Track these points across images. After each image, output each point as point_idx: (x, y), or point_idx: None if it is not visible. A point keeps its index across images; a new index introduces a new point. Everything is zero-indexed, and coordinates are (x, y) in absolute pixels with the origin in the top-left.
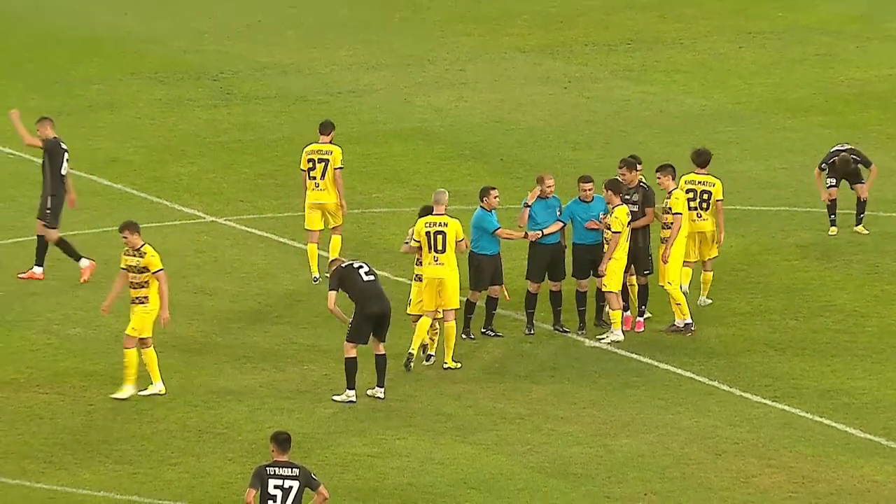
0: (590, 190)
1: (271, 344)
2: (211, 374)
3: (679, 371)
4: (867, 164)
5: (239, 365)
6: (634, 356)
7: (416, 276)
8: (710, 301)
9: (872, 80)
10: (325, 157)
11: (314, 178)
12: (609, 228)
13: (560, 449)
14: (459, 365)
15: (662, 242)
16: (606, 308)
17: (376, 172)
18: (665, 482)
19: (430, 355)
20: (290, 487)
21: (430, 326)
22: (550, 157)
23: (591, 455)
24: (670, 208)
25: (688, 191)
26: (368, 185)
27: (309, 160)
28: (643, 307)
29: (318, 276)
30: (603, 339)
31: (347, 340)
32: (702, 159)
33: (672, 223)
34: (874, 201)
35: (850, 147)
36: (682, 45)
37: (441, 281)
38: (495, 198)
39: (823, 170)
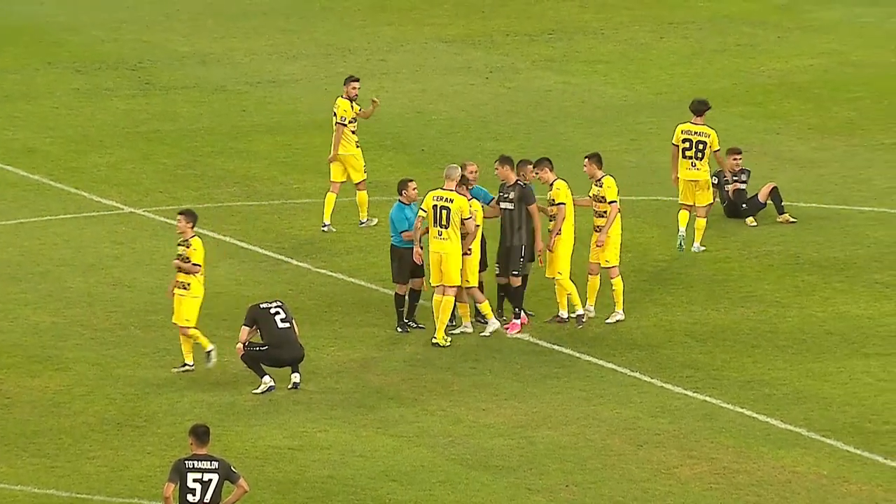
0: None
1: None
2: (129, 366)
3: (600, 362)
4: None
5: (158, 357)
6: (556, 348)
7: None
8: (703, 248)
9: (793, 71)
10: (335, 109)
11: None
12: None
13: (481, 441)
14: (449, 342)
15: (549, 233)
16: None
17: (297, 163)
18: (586, 473)
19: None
20: (210, 481)
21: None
22: (472, 148)
23: (512, 447)
24: (554, 199)
25: (684, 140)
26: (289, 176)
27: (333, 112)
28: (518, 308)
29: (328, 224)
30: (484, 334)
31: (244, 350)
32: (699, 108)
33: (557, 214)
34: (795, 192)
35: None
36: (604, 35)
37: (442, 256)
38: (414, 190)
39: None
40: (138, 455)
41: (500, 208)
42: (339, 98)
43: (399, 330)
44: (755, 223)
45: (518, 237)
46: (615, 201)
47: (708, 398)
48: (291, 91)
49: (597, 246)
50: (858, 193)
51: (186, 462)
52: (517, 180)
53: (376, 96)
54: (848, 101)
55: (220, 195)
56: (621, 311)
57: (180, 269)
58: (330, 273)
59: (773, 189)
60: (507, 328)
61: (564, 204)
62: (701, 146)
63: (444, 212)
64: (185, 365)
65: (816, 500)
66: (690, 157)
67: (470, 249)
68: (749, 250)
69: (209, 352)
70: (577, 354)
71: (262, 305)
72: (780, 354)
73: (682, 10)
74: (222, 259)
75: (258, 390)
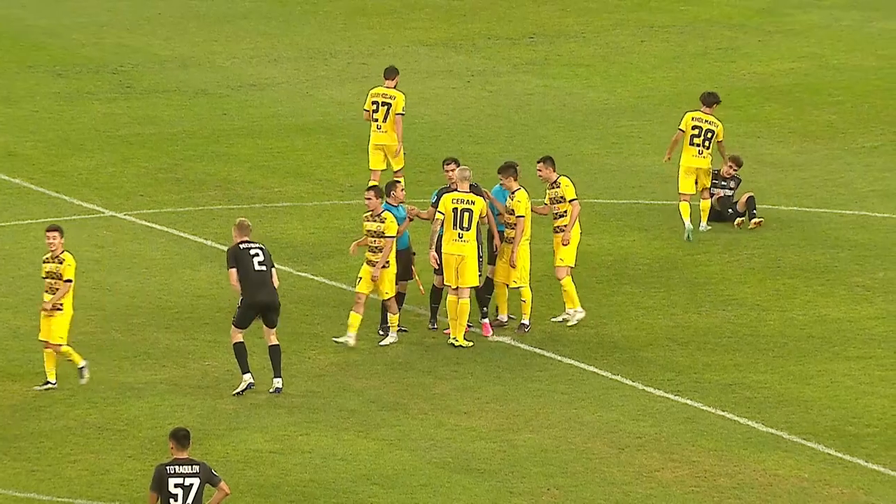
0: (451, 171)
1: (172, 340)
2: (110, 370)
3: (582, 365)
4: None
5: (139, 361)
6: (538, 351)
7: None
8: (709, 227)
9: (774, 74)
10: (388, 100)
11: (377, 120)
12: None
13: (463, 444)
14: (471, 344)
15: (507, 243)
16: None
17: (278, 167)
18: (568, 477)
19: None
20: (191, 485)
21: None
22: (453, 151)
23: (493, 450)
24: (514, 211)
25: (693, 127)
26: (270, 180)
27: (373, 102)
28: (485, 308)
29: None
30: (383, 343)
31: (234, 325)
32: (709, 100)
33: (516, 226)
34: (776, 195)
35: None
36: (585, 38)
37: (462, 258)
38: (402, 191)
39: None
40: (120, 459)
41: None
42: (394, 90)
43: (381, 332)
44: (742, 221)
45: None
46: (575, 199)
47: (689, 401)
48: (273, 94)
49: (562, 244)
50: (839, 197)
51: (168, 467)
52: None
53: (360, 97)
54: (828, 105)
55: (201, 199)
56: (580, 308)
57: (52, 289)
58: (311, 277)
59: (749, 198)
60: (483, 332)
61: (524, 217)
62: (709, 135)
63: (465, 214)
64: (48, 383)
65: (798, 503)
66: (698, 145)
67: (388, 262)
68: (730, 254)
69: (82, 368)
70: (559, 357)
71: (241, 245)
72: (762, 358)
73: (663, 14)
74: (203, 263)
75: (238, 389)
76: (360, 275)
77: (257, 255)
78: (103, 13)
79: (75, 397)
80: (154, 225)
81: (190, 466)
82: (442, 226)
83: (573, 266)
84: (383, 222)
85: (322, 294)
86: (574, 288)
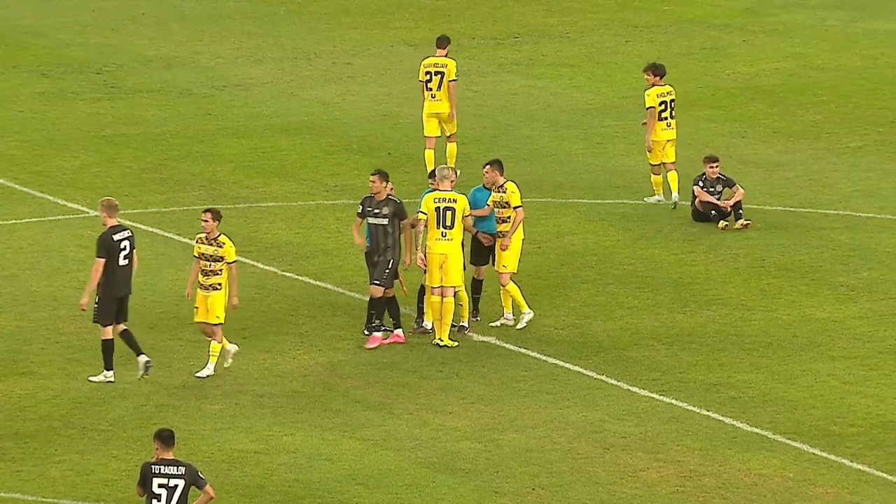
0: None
1: (156, 340)
2: (95, 370)
3: (567, 365)
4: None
5: (123, 361)
6: (523, 350)
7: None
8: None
9: (758, 74)
10: (441, 69)
11: (430, 89)
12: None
13: (448, 444)
14: (456, 344)
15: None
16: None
17: (263, 167)
18: (553, 477)
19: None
20: (175, 486)
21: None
22: (438, 151)
23: (479, 450)
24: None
25: (661, 103)
26: (255, 180)
27: (426, 73)
28: (378, 321)
29: None
30: (199, 374)
31: (103, 325)
32: (663, 71)
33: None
34: (761, 195)
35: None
36: (569, 38)
37: (446, 257)
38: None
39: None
40: (104, 459)
41: (369, 223)
42: (446, 58)
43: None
44: (726, 224)
45: (392, 252)
46: (520, 206)
47: (674, 401)
48: (257, 94)
49: (501, 249)
50: (824, 197)
51: (153, 466)
52: (388, 195)
53: (344, 97)
54: (813, 105)
55: (186, 199)
56: (529, 310)
57: None
58: (296, 276)
59: (736, 201)
60: (366, 344)
61: (467, 215)
62: (672, 104)
63: (448, 212)
64: None
65: (783, 503)
66: (666, 118)
67: (220, 285)
68: (715, 254)
69: None
70: (544, 357)
71: (115, 236)
72: (746, 357)
73: (647, 14)
74: (188, 263)
75: (95, 378)
76: (195, 304)
77: (125, 248)
78: (87, 13)
79: (59, 398)
80: (139, 225)
81: (175, 467)
82: (426, 226)
83: (515, 272)
84: (221, 247)
85: (307, 294)
86: (519, 291)
